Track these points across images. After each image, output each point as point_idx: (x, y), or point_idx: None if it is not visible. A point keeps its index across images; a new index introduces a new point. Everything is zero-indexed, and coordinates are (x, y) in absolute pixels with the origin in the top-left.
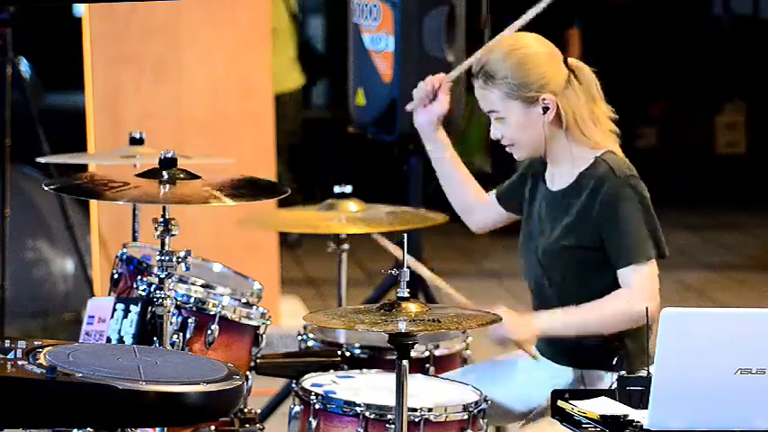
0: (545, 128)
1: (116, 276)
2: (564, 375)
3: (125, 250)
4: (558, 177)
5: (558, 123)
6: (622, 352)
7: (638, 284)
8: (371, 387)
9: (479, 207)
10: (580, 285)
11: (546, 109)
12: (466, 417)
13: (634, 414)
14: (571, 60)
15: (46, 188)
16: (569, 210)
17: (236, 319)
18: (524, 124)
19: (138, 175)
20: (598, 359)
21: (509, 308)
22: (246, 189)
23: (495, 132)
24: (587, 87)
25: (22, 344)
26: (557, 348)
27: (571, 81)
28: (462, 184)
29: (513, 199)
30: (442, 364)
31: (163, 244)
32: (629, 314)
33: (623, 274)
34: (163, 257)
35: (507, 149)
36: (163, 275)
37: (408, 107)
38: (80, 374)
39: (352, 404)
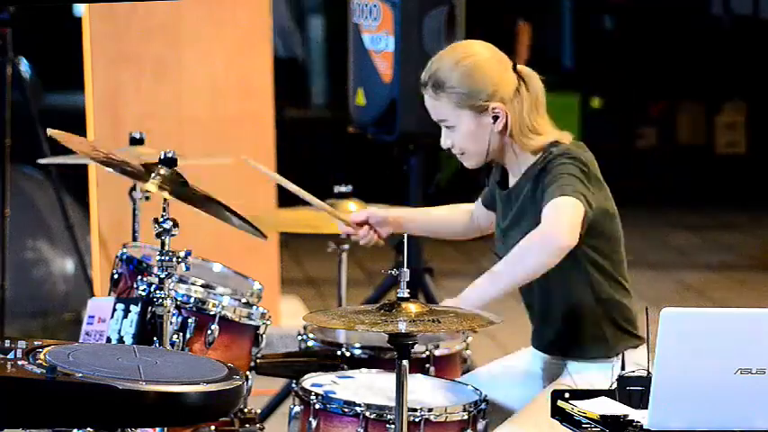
0: (491, 136)
1: (116, 276)
2: (557, 369)
3: (125, 250)
4: (513, 176)
5: (505, 131)
6: (623, 352)
7: (553, 215)
8: (371, 387)
9: (471, 221)
10: (551, 272)
11: (496, 118)
12: (466, 417)
13: (634, 414)
14: (521, 67)
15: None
16: (518, 198)
17: (236, 319)
18: (474, 133)
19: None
20: (590, 350)
21: (508, 309)
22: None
23: (445, 141)
24: (534, 96)
25: (22, 344)
26: (548, 341)
27: (520, 89)
28: (445, 224)
29: (493, 203)
30: (442, 364)
31: (163, 244)
32: (544, 245)
33: (543, 211)
34: (163, 257)
35: (458, 158)
36: (163, 275)
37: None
38: (80, 374)
39: (352, 404)
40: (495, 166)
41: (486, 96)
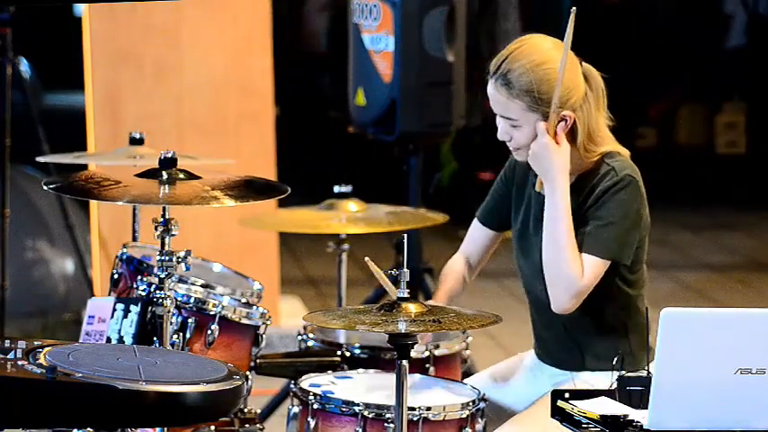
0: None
1: (116, 276)
2: (563, 379)
3: (125, 250)
4: None
5: (570, 137)
6: (623, 351)
7: (588, 277)
8: (370, 387)
9: (467, 262)
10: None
11: (562, 122)
12: (464, 416)
13: (634, 414)
14: (584, 66)
15: (45, 188)
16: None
17: (237, 319)
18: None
19: (138, 176)
20: (598, 363)
21: (508, 309)
22: (246, 189)
23: (503, 134)
24: (596, 94)
25: (22, 344)
26: (551, 355)
27: (587, 91)
28: (460, 287)
29: (499, 216)
30: (441, 364)
31: (163, 244)
32: (565, 280)
33: (585, 258)
34: (163, 257)
35: (512, 150)
36: (163, 275)
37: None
38: (80, 374)
39: (350, 404)
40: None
41: (560, 105)
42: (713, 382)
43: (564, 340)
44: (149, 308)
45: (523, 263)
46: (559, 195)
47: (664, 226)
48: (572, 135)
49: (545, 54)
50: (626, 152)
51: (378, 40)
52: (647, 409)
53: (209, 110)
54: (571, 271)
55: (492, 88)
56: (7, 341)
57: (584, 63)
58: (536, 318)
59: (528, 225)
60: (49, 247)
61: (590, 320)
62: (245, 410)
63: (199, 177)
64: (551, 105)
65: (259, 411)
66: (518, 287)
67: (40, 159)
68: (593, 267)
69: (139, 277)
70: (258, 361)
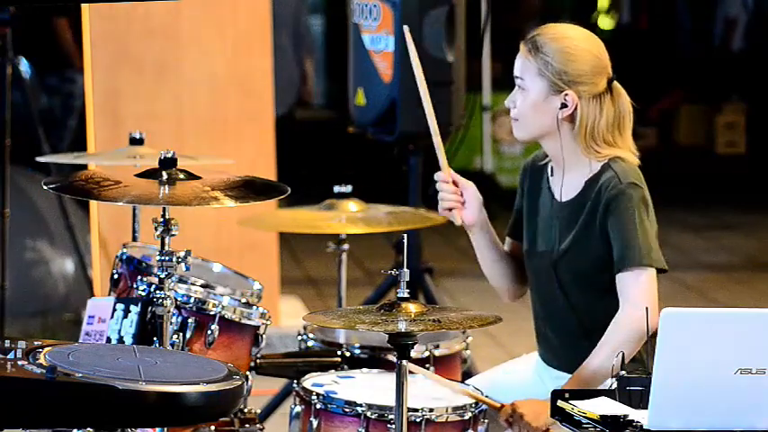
0: (558, 124)
1: (116, 276)
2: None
3: (125, 250)
4: (567, 187)
5: (572, 125)
6: (622, 352)
7: (635, 295)
8: (372, 387)
9: (518, 278)
10: (592, 293)
11: (564, 106)
12: (467, 417)
13: (634, 414)
14: (616, 84)
15: (45, 188)
16: (578, 219)
17: (236, 319)
18: (539, 106)
19: (138, 176)
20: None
21: (508, 309)
22: (246, 190)
23: (510, 99)
24: (618, 113)
25: (22, 344)
26: (559, 357)
27: (604, 97)
28: (509, 261)
29: (519, 229)
30: (442, 365)
31: (163, 244)
32: (638, 331)
33: (621, 278)
34: (163, 257)
35: (512, 122)
36: (163, 275)
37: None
38: (80, 374)
39: (353, 404)
40: (548, 163)
41: (567, 81)
42: (713, 382)
43: (574, 344)
44: (149, 308)
45: (532, 262)
46: (582, 381)
47: (664, 226)
48: (572, 123)
49: (579, 35)
50: (634, 159)
51: (378, 40)
52: (647, 409)
53: (209, 110)
54: (651, 327)
55: (521, 48)
56: (7, 341)
57: (616, 83)
58: (543, 322)
59: (537, 227)
60: (49, 247)
61: (603, 323)
62: (245, 410)
63: (199, 177)
64: (557, 77)
65: (259, 411)
66: None
67: (40, 159)
68: (638, 283)
69: (139, 277)
70: (258, 361)
